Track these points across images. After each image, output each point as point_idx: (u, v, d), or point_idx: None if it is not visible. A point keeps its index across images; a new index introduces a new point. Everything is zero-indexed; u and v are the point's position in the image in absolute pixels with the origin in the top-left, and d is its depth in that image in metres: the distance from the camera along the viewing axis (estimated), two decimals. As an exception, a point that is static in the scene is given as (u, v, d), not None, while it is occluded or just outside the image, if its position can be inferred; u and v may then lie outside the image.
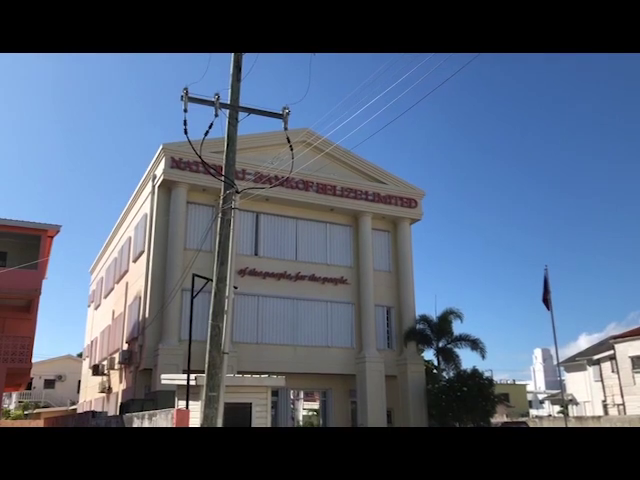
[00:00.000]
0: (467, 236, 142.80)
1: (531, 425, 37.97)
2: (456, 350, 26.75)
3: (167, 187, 24.64)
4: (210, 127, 11.32)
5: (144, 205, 26.65)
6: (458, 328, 27.45)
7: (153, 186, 25.29)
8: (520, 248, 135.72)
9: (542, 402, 64.22)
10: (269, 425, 14.29)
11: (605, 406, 40.90)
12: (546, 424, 39.35)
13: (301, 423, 37.73)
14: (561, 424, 31.19)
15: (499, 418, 41.16)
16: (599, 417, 35.80)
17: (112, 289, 32.30)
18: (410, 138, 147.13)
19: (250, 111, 12.34)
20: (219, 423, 10.71)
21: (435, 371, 27.89)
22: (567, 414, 33.68)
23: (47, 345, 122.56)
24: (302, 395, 36.95)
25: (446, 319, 27.00)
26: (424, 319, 27.26)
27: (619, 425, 32.50)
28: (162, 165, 24.28)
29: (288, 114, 12.19)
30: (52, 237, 23.76)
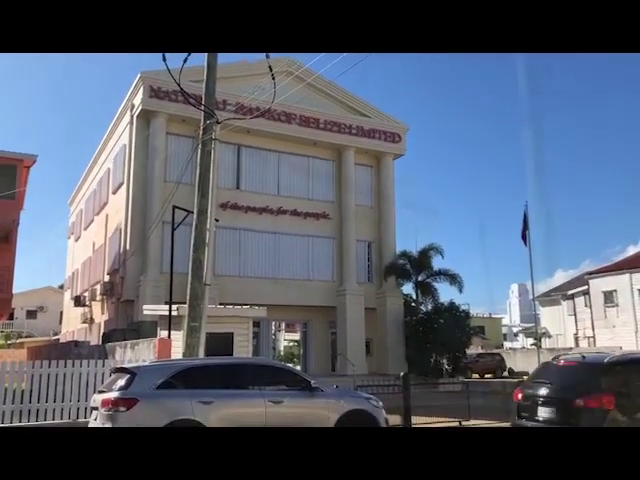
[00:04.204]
0: (450, 173, 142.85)
1: (504, 356, 39.49)
2: (435, 284, 27.28)
3: (146, 117, 24.05)
4: (189, 54, 10.94)
5: (123, 135, 26.07)
6: (438, 264, 27.88)
7: (131, 116, 24.69)
8: (501, 185, 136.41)
9: (516, 335, 66.41)
10: (250, 354, 14.61)
11: (577, 339, 42.37)
12: (519, 355, 40.90)
13: (282, 353, 38.71)
14: (533, 355, 32.34)
15: (474, 349, 42.61)
16: (570, 348, 37.20)
17: (92, 221, 32.03)
18: (395, 69, 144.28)
19: (231, 37, 11.91)
20: (201, 352, 10.93)
21: (413, 304, 28.49)
22: (540, 346, 34.81)
23: (27, 277, 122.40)
24: (283, 326, 37.69)
25: (426, 254, 27.33)
26: (404, 254, 27.56)
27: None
28: (140, 94, 23.60)
29: (270, 41, 11.80)
30: (29, 167, 23.22)
